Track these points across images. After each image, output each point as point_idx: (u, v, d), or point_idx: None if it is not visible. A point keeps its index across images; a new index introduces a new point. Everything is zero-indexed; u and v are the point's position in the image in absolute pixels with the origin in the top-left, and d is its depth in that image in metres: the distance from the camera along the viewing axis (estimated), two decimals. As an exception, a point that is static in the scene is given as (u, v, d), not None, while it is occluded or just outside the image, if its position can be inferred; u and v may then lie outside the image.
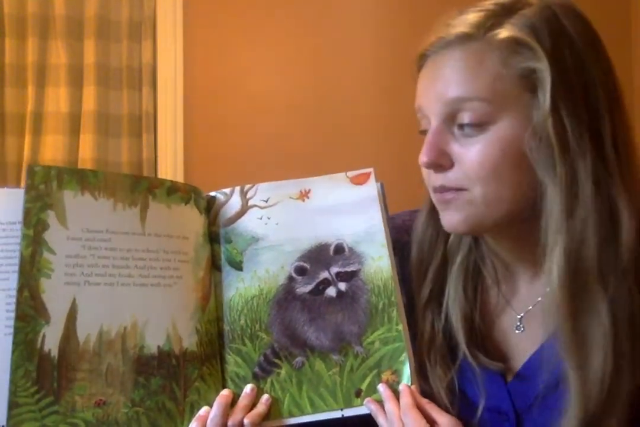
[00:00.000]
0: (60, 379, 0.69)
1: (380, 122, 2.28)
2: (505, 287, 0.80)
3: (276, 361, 0.77)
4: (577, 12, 0.71)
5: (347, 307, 0.78)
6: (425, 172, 0.75)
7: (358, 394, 0.74)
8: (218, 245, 0.83)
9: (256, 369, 0.77)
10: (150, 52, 2.25)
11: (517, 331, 0.78)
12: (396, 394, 0.72)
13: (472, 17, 0.71)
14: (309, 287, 0.79)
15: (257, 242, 0.82)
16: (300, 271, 0.80)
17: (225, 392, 0.75)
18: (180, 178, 2.22)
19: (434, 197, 0.75)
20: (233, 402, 0.75)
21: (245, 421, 0.73)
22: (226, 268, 0.82)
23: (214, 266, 0.83)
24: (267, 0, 2.31)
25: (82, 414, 0.69)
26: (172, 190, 0.81)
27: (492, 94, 0.68)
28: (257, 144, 2.27)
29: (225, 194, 0.85)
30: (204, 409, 0.74)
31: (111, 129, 2.25)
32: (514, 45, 0.68)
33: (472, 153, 0.69)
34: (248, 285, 0.80)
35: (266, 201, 0.84)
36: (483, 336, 0.78)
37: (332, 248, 0.80)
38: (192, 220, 0.82)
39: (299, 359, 0.77)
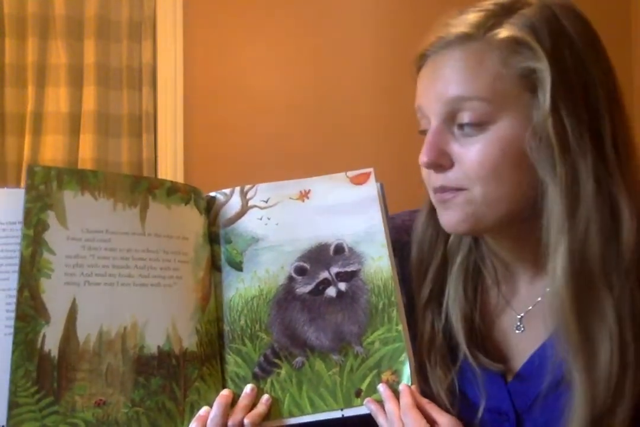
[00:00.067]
0: (60, 379, 0.69)
1: (380, 122, 2.28)
2: (505, 288, 0.80)
3: (276, 361, 0.77)
4: (576, 12, 0.71)
5: (347, 307, 0.77)
6: (425, 172, 0.75)
7: (358, 394, 0.74)
8: (218, 245, 0.83)
9: (256, 369, 0.77)
10: (150, 52, 2.25)
11: (517, 331, 0.78)
12: (396, 394, 0.72)
13: (472, 17, 0.71)
14: (309, 288, 0.79)
15: (257, 243, 0.82)
16: (300, 271, 0.80)
17: (225, 392, 0.75)
18: (180, 178, 2.22)
19: (434, 197, 0.75)
20: (233, 402, 0.75)
21: (246, 421, 0.73)
22: (226, 268, 0.82)
23: (214, 266, 0.82)
24: (267, 0, 2.31)
25: (82, 414, 0.69)
26: (172, 191, 0.81)
27: (492, 94, 0.68)
28: (257, 144, 2.27)
29: (225, 194, 0.85)
30: (204, 409, 0.74)
31: (111, 129, 2.25)
32: (514, 45, 0.68)
33: (472, 153, 0.69)
34: (248, 285, 0.80)
35: (266, 201, 0.84)
36: (483, 336, 0.78)
37: (332, 248, 0.80)
38: (192, 220, 0.82)
39: (299, 359, 0.77)
